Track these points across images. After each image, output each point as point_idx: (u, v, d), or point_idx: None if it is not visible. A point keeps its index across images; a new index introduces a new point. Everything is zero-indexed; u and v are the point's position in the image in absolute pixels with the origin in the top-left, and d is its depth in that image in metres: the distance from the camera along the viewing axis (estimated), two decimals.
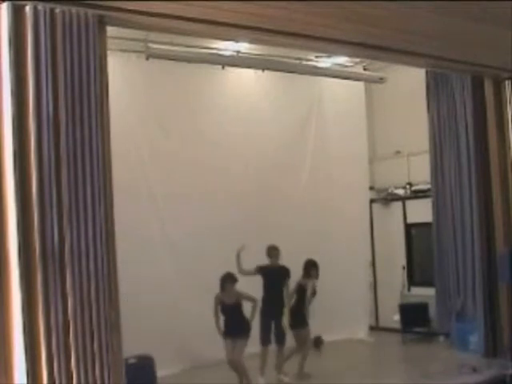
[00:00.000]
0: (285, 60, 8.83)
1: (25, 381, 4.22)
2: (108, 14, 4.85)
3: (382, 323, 10.43)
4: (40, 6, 4.46)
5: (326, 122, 9.94)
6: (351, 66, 9.77)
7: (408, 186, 10.14)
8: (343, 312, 9.51)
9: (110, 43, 5.08)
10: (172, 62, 8.09)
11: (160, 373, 6.95)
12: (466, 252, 7.97)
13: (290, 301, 7.62)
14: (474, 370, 6.99)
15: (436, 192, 8.55)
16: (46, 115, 4.43)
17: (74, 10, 4.59)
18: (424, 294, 9.41)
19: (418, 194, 9.85)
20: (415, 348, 9.22)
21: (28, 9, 4.43)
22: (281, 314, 7.52)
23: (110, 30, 5.00)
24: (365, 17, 6.24)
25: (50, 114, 4.44)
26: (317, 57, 9.12)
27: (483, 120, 7.74)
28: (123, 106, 7.38)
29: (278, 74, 9.19)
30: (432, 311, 9.10)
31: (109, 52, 4.95)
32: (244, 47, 8.34)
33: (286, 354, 7.74)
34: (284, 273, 7.62)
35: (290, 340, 7.76)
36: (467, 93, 7.89)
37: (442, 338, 9.04)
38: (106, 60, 4.89)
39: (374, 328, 10.20)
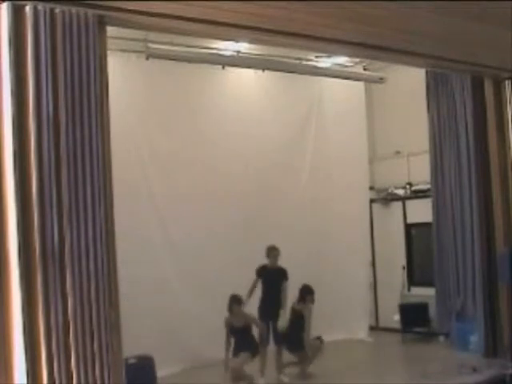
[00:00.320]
0: (285, 60, 8.82)
1: (25, 381, 4.22)
2: (108, 13, 4.84)
3: (382, 323, 10.41)
4: (40, 6, 4.46)
5: (326, 121, 9.93)
6: (351, 66, 9.76)
7: (408, 186, 10.13)
8: (343, 312, 9.51)
9: (110, 43, 5.08)
10: (172, 61, 8.07)
11: (160, 373, 6.94)
12: (465, 252, 7.98)
13: (285, 303, 7.61)
14: (474, 369, 6.99)
15: (436, 192, 8.55)
16: (46, 115, 4.42)
17: (73, 10, 4.59)
18: (424, 294, 9.40)
19: (418, 194, 9.84)
20: (415, 348, 9.21)
21: (28, 9, 4.43)
22: (278, 315, 7.54)
23: (110, 30, 4.99)
24: (365, 17, 6.24)
25: (50, 114, 4.44)
26: (317, 57, 9.11)
27: (483, 120, 7.75)
28: (123, 106, 7.36)
29: (278, 73, 9.18)
30: (432, 311, 9.09)
31: (109, 52, 4.95)
32: (244, 47, 8.33)
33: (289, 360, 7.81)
34: (282, 274, 7.64)
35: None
36: (467, 93, 7.90)
37: (441, 338, 9.03)
38: (106, 60, 4.88)
39: (374, 328, 10.19)
